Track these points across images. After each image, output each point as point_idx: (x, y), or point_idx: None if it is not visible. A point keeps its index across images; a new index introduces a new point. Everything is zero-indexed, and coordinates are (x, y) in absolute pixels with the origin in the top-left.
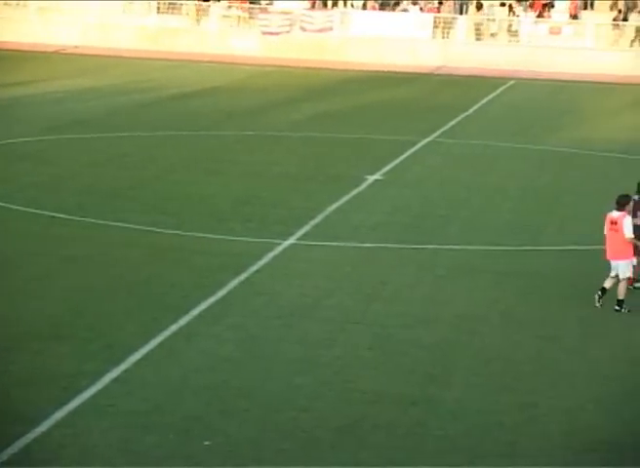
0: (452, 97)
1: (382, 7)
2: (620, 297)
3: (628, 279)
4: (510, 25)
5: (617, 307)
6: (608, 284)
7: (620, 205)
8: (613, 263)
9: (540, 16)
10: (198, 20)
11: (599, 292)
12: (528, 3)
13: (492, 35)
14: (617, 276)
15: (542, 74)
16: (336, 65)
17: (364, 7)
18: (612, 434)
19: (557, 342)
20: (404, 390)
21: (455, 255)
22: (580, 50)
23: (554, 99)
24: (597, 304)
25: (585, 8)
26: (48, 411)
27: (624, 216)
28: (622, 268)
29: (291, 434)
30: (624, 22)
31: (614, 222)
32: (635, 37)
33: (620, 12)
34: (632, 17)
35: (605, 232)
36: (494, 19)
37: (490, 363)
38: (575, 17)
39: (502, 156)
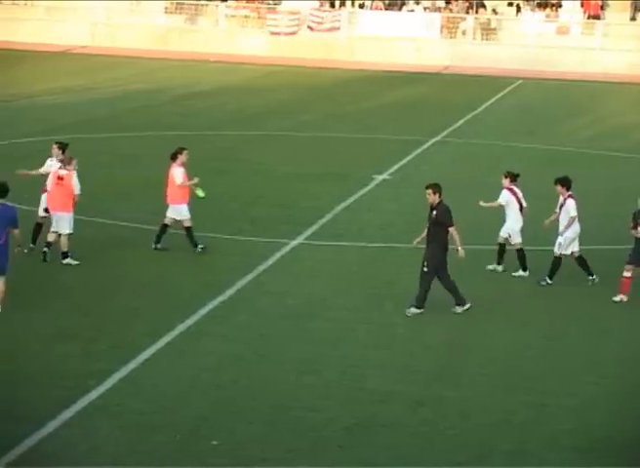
0: (459, 96)
1: (389, 7)
2: None
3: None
4: (517, 25)
5: None
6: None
7: None
8: None
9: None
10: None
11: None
12: (535, 2)
13: (494, 35)
14: None
15: (550, 74)
16: (343, 65)
17: (366, 6)
18: (620, 432)
19: (564, 341)
20: (412, 389)
21: (469, 253)
22: (587, 49)
23: (562, 99)
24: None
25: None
26: (55, 411)
27: None
28: None
29: (299, 433)
30: (633, 22)
31: None
32: None
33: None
34: None
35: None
36: (501, 19)
37: (497, 362)
38: (596, 17)
39: (510, 156)
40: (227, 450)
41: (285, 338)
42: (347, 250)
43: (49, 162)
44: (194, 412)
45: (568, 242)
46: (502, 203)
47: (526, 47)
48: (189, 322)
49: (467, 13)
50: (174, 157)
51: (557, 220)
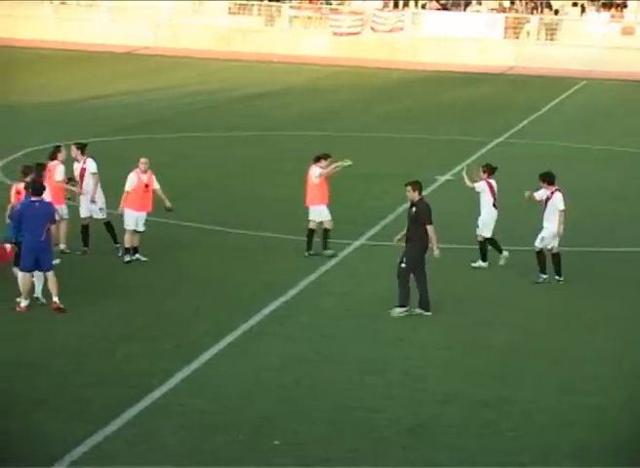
0: (523, 97)
1: (447, 7)
2: None
3: None
4: (582, 25)
5: None
6: None
7: None
8: None
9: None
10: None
11: None
12: (600, 3)
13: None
14: None
15: (614, 74)
16: (406, 66)
17: (426, 7)
18: None
19: (625, 344)
20: (474, 390)
21: (523, 256)
22: None
23: (626, 100)
24: None
25: None
26: (119, 410)
27: None
28: None
29: (362, 434)
30: None
31: None
32: None
33: None
34: None
35: None
36: (565, 19)
37: (559, 364)
38: None
39: (573, 156)
40: (290, 451)
41: (347, 338)
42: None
43: (76, 165)
44: (257, 412)
45: (552, 236)
46: (478, 190)
47: (590, 47)
48: (252, 322)
49: (532, 13)
50: (317, 160)
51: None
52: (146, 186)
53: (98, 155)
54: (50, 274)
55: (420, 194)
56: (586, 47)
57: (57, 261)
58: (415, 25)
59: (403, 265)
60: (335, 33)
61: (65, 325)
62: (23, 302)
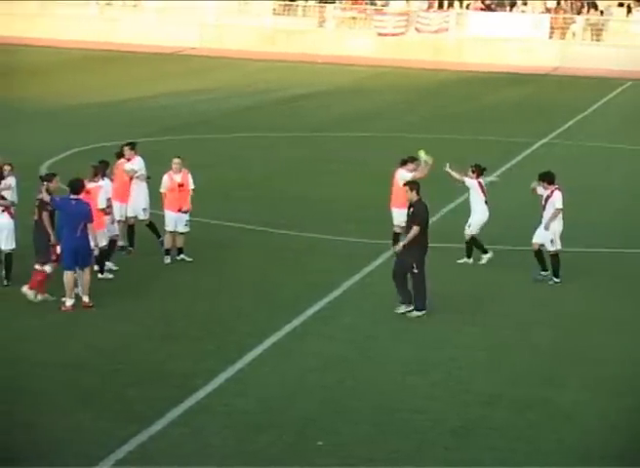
0: (568, 97)
1: (491, 7)
2: None
3: None
4: (628, 26)
5: None
6: None
7: None
8: None
9: None
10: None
11: None
12: None
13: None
14: None
15: None
16: (451, 66)
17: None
18: None
19: None
20: (518, 392)
21: (566, 257)
22: None
23: None
24: None
25: None
26: (163, 410)
27: None
28: None
29: (404, 435)
30: None
31: None
32: None
33: None
34: None
35: None
36: (611, 20)
37: (603, 365)
38: None
39: (619, 158)
40: (333, 451)
41: (390, 339)
42: (452, 251)
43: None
44: (300, 413)
45: (558, 235)
46: (467, 185)
47: (636, 48)
48: (295, 322)
49: (579, 13)
50: (404, 163)
51: (541, 216)
52: (181, 186)
53: (143, 156)
54: (86, 271)
55: (417, 194)
56: (632, 47)
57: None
58: (459, 26)
59: (416, 271)
60: (379, 34)
61: (109, 325)
62: (68, 301)
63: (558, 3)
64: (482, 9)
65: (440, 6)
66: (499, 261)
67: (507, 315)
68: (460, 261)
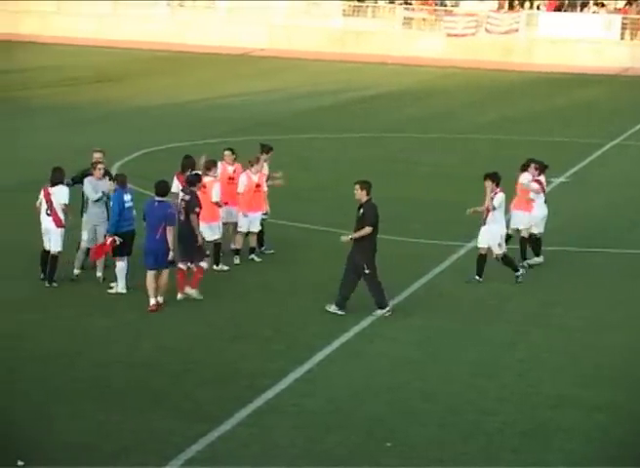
0: (639, 98)
1: (562, 8)
2: None
3: None
4: None
5: None
6: None
7: None
8: None
9: None
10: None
11: None
12: None
13: None
14: None
15: None
16: (521, 67)
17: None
18: None
19: None
20: (588, 394)
21: (638, 259)
22: None
23: None
24: None
25: None
26: (232, 410)
27: None
28: None
29: (473, 437)
30: None
31: None
32: None
33: None
34: None
35: None
36: None
37: None
38: None
39: None
40: (401, 452)
41: (459, 341)
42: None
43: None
44: (368, 414)
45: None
46: (532, 195)
47: None
48: (364, 324)
49: None
50: (524, 168)
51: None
52: (257, 186)
53: (214, 156)
54: (165, 272)
55: (368, 194)
56: None
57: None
58: (530, 27)
59: (367, 272)
60: (449, 34)
61: (180, 325)
62: (152, 301)
63: (629, 4)
64: (555, 9)
65: (510, 6)
66: (569, 262)
67: (577, 317)
68: (530, 262)
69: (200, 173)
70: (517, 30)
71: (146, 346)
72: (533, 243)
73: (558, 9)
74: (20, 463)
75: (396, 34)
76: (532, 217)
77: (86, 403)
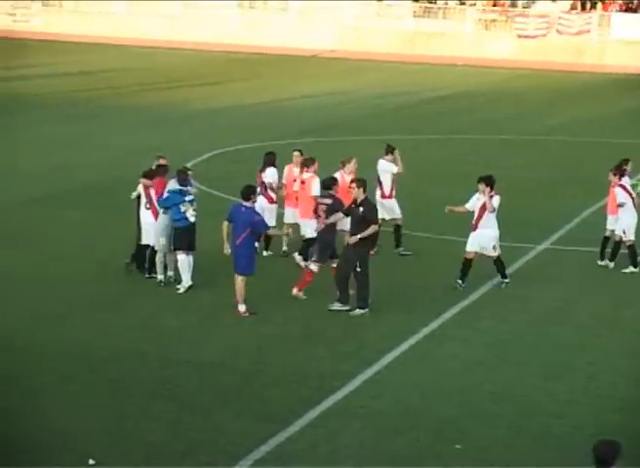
0: None
1: (634, 9)
2: None
3: None
4: None
5: None
6: None
7: None
8: None
9: None
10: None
11: None
12: None
13: None
14: None
15: None
16: (593, 69)
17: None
18: None
19: None
20: None
21: None
22: None
23: None
24: None
25: None
26: (301, 411)
27: None
28: None
29: (543, 440)
30: None
31: None
32: None
33: None
34: None
35: None
36: None
37: None
38: None
39: None
40: (470, 454)
41: (529, 343)
42: (593, 256)
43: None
44: (437, 416)
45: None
46: (622, 201)
47: None
48: (433, 325)
49: None
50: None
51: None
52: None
53: (284, 158)
54: (239, 279)
55: (364, 192)
56: None
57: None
58: (602, 28)
59: (359, 269)
60: (520, 36)
61: (249, 325)
62: (242, 307)
63: None
64: (624, 9)
65: (582, 8)
66: None
67: None
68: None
69: (336, 176)
70: (589, 31)
71: (216, 346)
72: (616, 247)
73: (632, 10)
74: (91, 462)
75: (467, 35)
76: (624, 225)
77: (156, 402)
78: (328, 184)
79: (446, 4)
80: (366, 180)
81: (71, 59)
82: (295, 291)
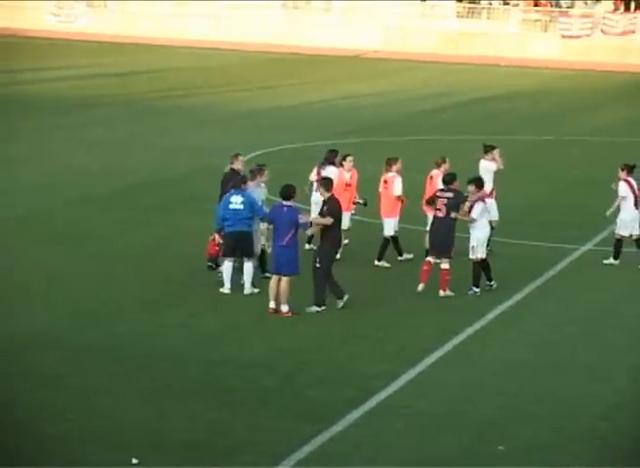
0: None
1: None
2: None
3: None
4: None
5: None
6: None
7: None
8: None
9: None
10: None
11: None
12: None
13: None
14: None
15: None
16: (637, 68)
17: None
18: None
19: None
20: None
21: None
22: None
23: None
24: None
25: None
26: (343, 411)
27: None
28: None
29: (587, 442)
30: None
31: None
32: None
33: None
34: None
35: None
36: None
37: None
38: None
39: None
40: (513, 455)
41: (572, 345)
42: (629, 256)
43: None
44: (480, 416)
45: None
46: (623, 194)
47: None
48: (477, 326)
49: None
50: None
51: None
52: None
53: (317, 158)
54: (284, 279)
55: (328, 191)
56: None
57: None
58: None
59: (318, 265)
60: (563, 36)
61: (291, 326)
62: (284, 307)
63: None
64: None
65: (627, 8)
66: None
67: None
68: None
69: (454, 173)
70: (634, 31)
71: (258, 346)
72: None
73: None
74: (134, 461)
75: (510, 35)
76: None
77: (198, 402)
78: (450, 180)
79: (490, 4)
80: (331, 179)
81: (116, 60)
82: (441, 292)
